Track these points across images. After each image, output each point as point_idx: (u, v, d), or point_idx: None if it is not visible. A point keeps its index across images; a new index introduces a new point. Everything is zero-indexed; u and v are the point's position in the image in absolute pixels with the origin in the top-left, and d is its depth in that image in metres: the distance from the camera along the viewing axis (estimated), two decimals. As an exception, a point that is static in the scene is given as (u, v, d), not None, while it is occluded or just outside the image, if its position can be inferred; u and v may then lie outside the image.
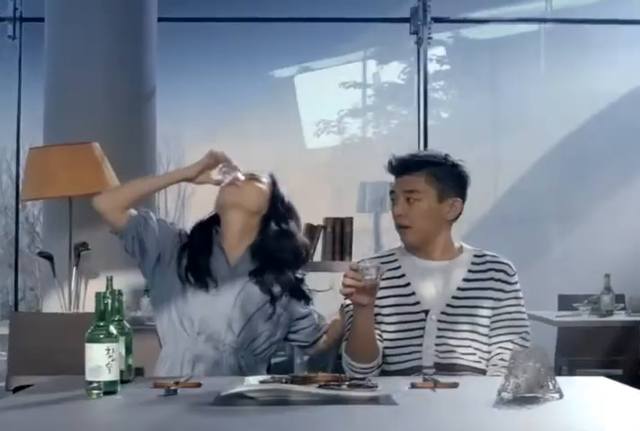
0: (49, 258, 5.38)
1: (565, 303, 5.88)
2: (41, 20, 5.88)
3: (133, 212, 2.97)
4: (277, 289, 2.95)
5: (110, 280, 2.47)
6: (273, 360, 3.15)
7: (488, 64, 7.52)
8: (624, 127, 7.23)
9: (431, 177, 2.83)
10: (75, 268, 5.29)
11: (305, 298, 3.02)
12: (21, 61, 6.83)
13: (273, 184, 3.06)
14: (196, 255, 2.95)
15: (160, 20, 5.98)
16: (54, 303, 5.46)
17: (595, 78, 7.24)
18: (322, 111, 7.67)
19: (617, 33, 7.38)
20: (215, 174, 2.94)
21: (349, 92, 7.64)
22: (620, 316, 5.45)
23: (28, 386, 2.66)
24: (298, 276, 3.03)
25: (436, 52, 7.38)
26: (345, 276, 2.55)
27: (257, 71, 7.58)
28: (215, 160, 2.94)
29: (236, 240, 2.99)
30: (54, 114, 5.75)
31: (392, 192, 2.90)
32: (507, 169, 7.31)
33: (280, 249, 2.98)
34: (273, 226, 2.99)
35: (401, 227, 2.86)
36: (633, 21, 7.25)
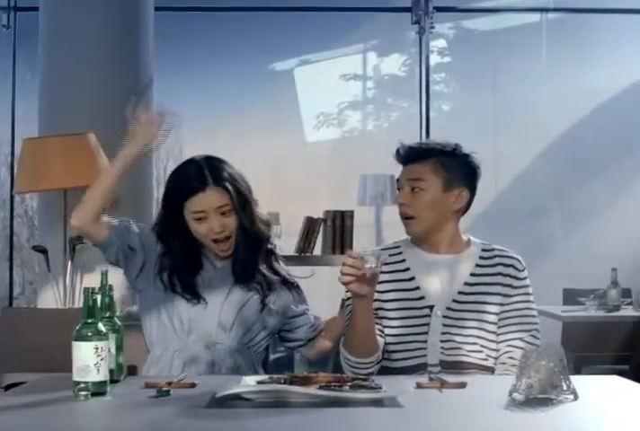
0: (44, 252, 5.28)
1: (570, 297, 5.80)
2: (36, 9, 5.78)
3: (113, 222, 2.82)
4: (259, 279, 2.84)
5: (104, 274, 2.39)
6: (272, 356, 3.05)
7: (489, 56, 7.44)
8: (627, 121, 7.14)
9: (438, 166, 2.74)
10: (70, 263, 5.19)
11: (287, 283, 2.90)
12: (15, 51, 6.72)
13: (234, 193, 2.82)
14: (182, 272, 2.81)
15: (157, 9, 5.88)
16: (49, 299, 5.36)
17: (597, 71, 7.14)
18: (322, 104, 7.58)
19: (620, 24, 7.28)
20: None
21: (349, 84, 7.56)
22: (627, 311, 5.36)
23: (20, 383, 2.56)
24: (275, 264, 2.91)
25: (437, 44, 7.30)
26: (344, 264, 2.44)
27: (256, 64, 7.47)
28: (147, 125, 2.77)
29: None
30: (49, 105, 5.65)
31: (398, 181, 2.81)
32: (508, 162, 7.23)
33: (255, 252, 2.86)
34: (244, 226, 2.83)
35: (406, 218, 2.76)
36: (635, 10, 7.16)
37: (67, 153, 5.02)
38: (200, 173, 2.79)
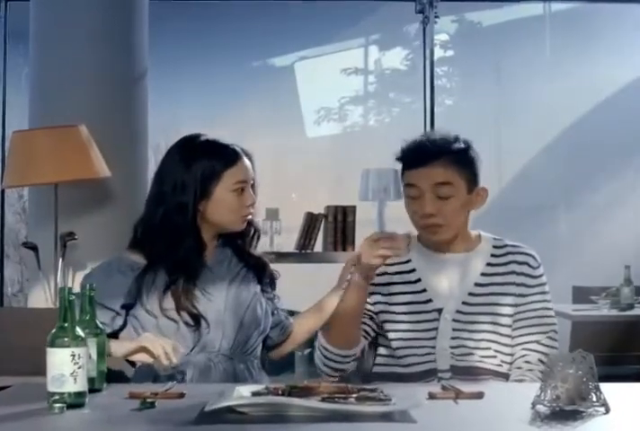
0: (34, 248, 5.11)
1: (580, 295, 5.64)
2: (27, -2, 5.63)
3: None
4: (258, 280, 2.69)
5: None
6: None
7: (493, 49, 7.36)
8: (632, 115, 7.02)
9: (459, 165, 2.51)
10: (61, 260, 5.02)
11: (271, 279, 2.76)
12: (6, 41, 6.57)
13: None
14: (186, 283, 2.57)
15: (152, -1, 5.74)
16: (40, 298, 5.20)
17: (602, 64, 7.06)
18: (322, 99, 7.49)
19: (625, 15, 7.15)
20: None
21: (350, 78, 7.47)
22: (640, 310, 5.20)
23: (5, 388, 2.38)
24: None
25: (440, 37, 7.20)
26: (382, 246, 2.33)
27: (256, 59, 7.43)
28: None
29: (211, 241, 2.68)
30: (39, 97, 5.50)
31: (409, 186, 2.54)
32: (512, 157, 7.14)
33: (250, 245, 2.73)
34: None
35: (432, 226, 2.53)
36: (640, 0, 7.06)
37: (58, 145, 4.87)
38: (228, 145, 2.66)
